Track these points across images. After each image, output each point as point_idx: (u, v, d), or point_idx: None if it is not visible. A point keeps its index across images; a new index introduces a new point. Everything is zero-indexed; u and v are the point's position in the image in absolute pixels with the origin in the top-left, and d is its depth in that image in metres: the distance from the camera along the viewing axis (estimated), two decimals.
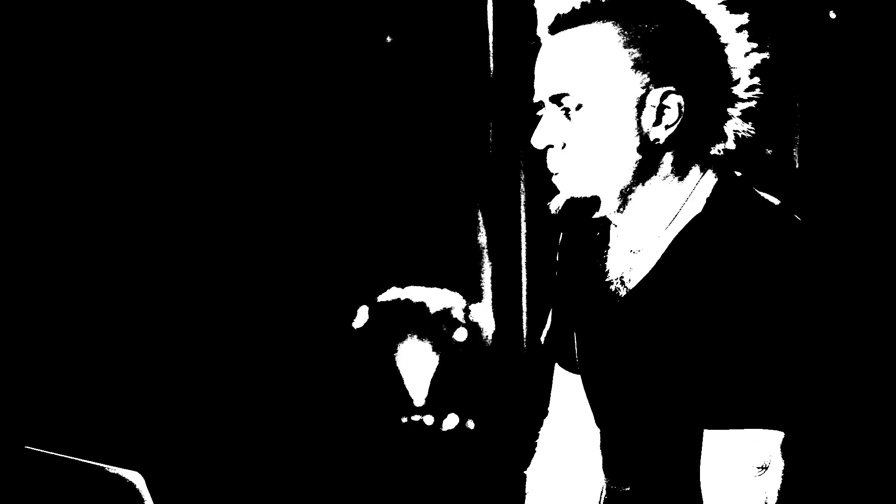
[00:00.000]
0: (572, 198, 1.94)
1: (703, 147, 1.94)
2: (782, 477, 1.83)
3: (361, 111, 4.29)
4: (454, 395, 4.36)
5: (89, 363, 3.99)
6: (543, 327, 2.24)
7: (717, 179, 1.94)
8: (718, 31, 1.92)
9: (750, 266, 1.82)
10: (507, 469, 4.14)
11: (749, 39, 1.94)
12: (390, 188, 4.34)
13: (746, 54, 1.94)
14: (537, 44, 1.96)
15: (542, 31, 1.95)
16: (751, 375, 1.81)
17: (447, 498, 4.31)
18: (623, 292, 1.97)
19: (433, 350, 4.32)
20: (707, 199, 1.92)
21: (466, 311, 4.35)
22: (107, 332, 4.02)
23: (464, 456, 4.34)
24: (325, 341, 4.31)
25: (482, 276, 4.37)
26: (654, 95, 1.89)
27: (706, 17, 1.92)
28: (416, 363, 4.32)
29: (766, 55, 1.95)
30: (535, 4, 1.97)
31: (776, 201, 1.91)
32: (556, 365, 2.22)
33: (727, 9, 1.93)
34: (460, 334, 4.34)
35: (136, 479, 1.95)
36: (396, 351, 4.32)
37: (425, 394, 4.32)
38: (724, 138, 1.95)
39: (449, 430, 4.34)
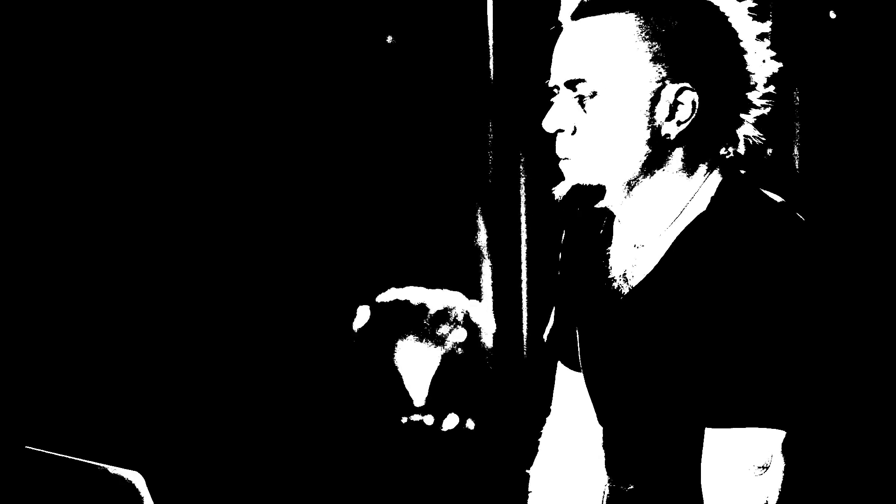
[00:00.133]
0: (577, 185, 1.94)
1: (712, 147, 1.94)
2: (783, 476, 1.83)
3: (361, 111, 4.29)
4: (454, 395, 4.35)
5: (89, 363, 3.99)
6: (544, 327, 2.24)
7: (721, 178, 1.94)
8: (740, 36, 1.93)
9: (753, 265, 1.82)
10: (509, 468, 4.14)
11: (768, 48, 1.94)
12: (390, 188, 4.34)
13: (764, 62, 1.94)
14: (557, 28, 1.96)
15: (563, 16, 1.95)
16: (753, 374, 1.82)
17: (447, 498, 4.31)
18: (626, 289, 1.97)
19: (433, 350, 4.32)
20: (712, 198, 1.92)
21: (466, 311, 4.35)
22: (107, 332, 4.02)
23: (464, 456, 4.34)
24: (324, 342, 4.31)
25: (482, 276, 4.37)
26: (670, 90, 1.90)
27: (730, 20, 1.92)
28: (416, 363, 4.32)
29: (781, 65, 1.96)
30: None
31: (781, 200, 1.91)
32: (559, 363, 2.22)
33: (751, 16, 1.94)
34: (460, 334, 4.34)
35: (136, 479, 1.95)
36: (396, 351, 4.32)
37: (425, 394, 4.32)
38: (736, 142, 1.95)
39: (449, 430, 4.34)
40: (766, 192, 1.93)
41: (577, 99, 1.92)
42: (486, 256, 4.35)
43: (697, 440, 1.88)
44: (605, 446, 2.08)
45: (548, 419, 2.24)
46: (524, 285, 4.28)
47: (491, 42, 4.25)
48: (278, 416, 4.23)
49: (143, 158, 4.06)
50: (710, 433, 1.85)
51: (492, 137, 4.30)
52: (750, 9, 1.94)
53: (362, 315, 4.32)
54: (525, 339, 4.30)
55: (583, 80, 1.91)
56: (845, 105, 3.80)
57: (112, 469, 1.95)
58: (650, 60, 1.89)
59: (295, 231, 4.23)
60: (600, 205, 1.96)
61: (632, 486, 2.02)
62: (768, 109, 1.96)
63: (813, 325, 1.83)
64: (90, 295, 4.01)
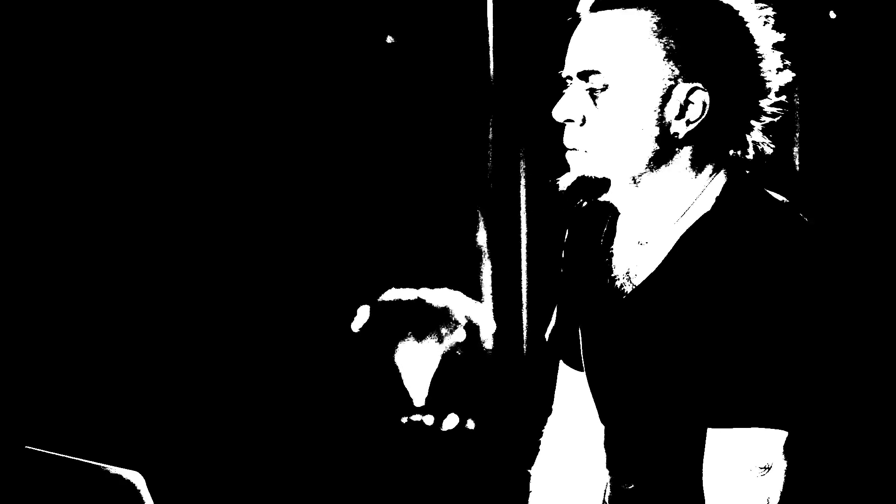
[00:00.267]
0: (582, 176, 1.94)
1: (720, 148, 1.94)
2: (785, 477, 1.83)
3: (361, 111, 4.29)
4: (454, 395, 4.36)
5: (89, 363, 3.99)
6: (544, 327, 2.24)
7: (727, 179, 1.94)
8: (757, 42, 1.93)
9: (758, 266, 1.82)
10: (510, 468, 4.14)
11: (782, 58, 1.95)
12: (390, 188, 4.34)
13: (779, 70, 1.95)
14: (575, 20, 1.96)
15: (582, 7, 1.95)
16: (756, 374, 1.82)
17: (447, 498, 4.31)
18: (629, 288, 1.97)
19: (433, 350, 4.32)
20: (717, 198, 1.93)
21: (466, 310, 4.34)
22: (107, 332, 4.02)
23: (464, 456, 4.34)
24: (325, 342, 4.31)
25: (482, 276, 4.37)
26: (682, 89, 1.90)
27: (748, 25, 1.93)
28: (416, 363, 4.32)
29: (795, 75, 1.96)
30: None
31: (786, 201, 1.91)
32: (561, 362, 2.22)
33: (768, 24, 1.94)
34: (460, 334, 4.34)
35: (136, 479, 1.95)
36: (396, 351, 4.32)
37: (425, 394, 4.32)
38: (745, 147, 1.95)
39: (449, 430, 4.34)
40: (770, 192, 1.93)
41: (589, 91, 1.92)
42: (486, 256, 4.36)
43: (699, 440, 1.88)
44: (606, 446, 2.08)
45: (549, 418, 2.24)
46: (524, 285, 4.28)
47: (491, 42, 4.25)
48: (278, 416, 4.23)
49: (144, 158, 4.06)
50: (712, 433, 1.85)
51: (492, 137, 4.30)
52: (768, 16, 1.94)
53: (362, 315, 4.32)
54: (525, 339, 4.30)
55: (596, 72, 1.91)
56: (845, 105, 3.80)
57: (112, 469, 1.95)
58: (664, 58, 1.90)
59: (295, 231, 4.23)
60: (604, 198, 1.96)
61: (633, 486, 2.02)
62: (778, 118, 1.96)
63: (816, 327, 1.83)
64: (90, 295, 4.01)
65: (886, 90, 3.76)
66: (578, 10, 1.97)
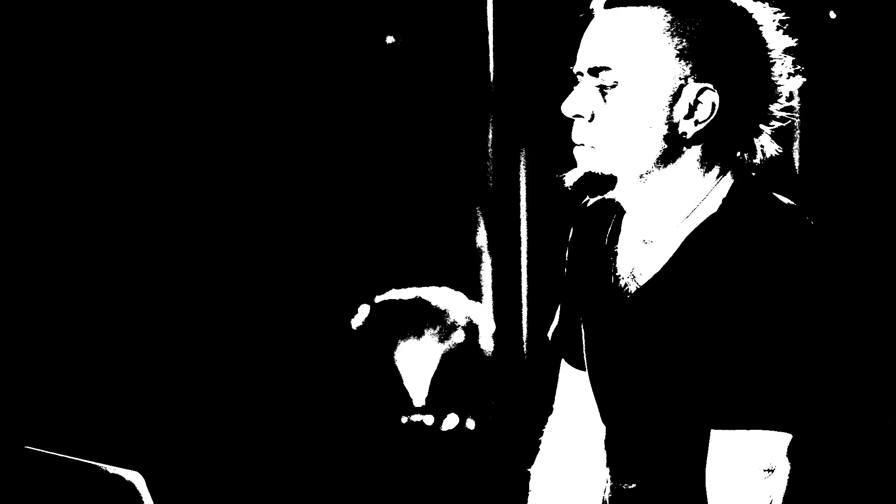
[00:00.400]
0: (589, 173, 1.94)
1: (728, 150, 1.94)
2: (788, 480, 1.83)
3: (361, 111, 4.29)
4: (454, 395, 4.35)
5: (89, 363, 3.99)
6: (544, 327, 2.24)
7: (734, 181, 1.94)
8: (769, 46, 1.93)
9: (764, 268, 1.82)
10: (509, 468, 4.14)
11: (794, 63, 1.95)
12: (390, 188, 4.34)
13: (790, 75, 1.95)
14: (588, 16, 1.96)
15: (596, 3, 1.95)
16: (760, 377, 1.81)
17: (448, 498, 4.31)
18: (633, 287, 1.97)
19: (433, 350, 4.32)
20: (724, 200, 1.92)
21: (466, 311, 4.34)
22: (107, 332, 4.02)
23: (464, 456, 4.34)
24: (324, 341, 4.31)
25: (482, 276, 4.37)
26: (691, 89, 1.90)
27: (761, 29, 1.92)
28: (416, 363, 4.32)
29: (806, 80, 1.96)
30: None
31: (792, 204, 1.91)
32: (563, 361, 2.22)
33: (780, 28, 1.94)
34: (460, 334, 4.34)
35: (136, 479, 1.95)
36: (396, 351, 4.32)
37: (425, 394, 4.32)
38: (752, 150, 1.95)
39: (449, 430, 4.34)
40: (776, 195, 1.93)
41: (599, 87, 1.92)
42: (486, 256, 4.36)
43: (701, 441, 1.88)
44: (607, 445, 2.08)
45: (550, 417, 2.24)
46: (524, 285, 4.28)
47: (491, 42, 4.25)
48: (278, 416, 4.23)
49: (144, 158, 4.06)
50: (716, 434, 1.85)
51: (492, 137, 4.30)
52: (781, 21, 1.94)
53: (362, 314, 4.32)
54: (525, 339, 4.30)
55: (607, 69, 1.91)
56: (845, 105, 3.80)
57: (112, 469, 1.95)
58: (675, 57, 1.90)
59: (295, 231, 4.23)
60: (610, 195, 1.96)
61: (634, 485, 2.01)
62: (787, 123, 1.96)
63: (821, 329, 1.83)
64: (90, 295, 4.01)
65: (886, 90, 3.76)
66: (592, 6, 1.97)
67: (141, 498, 1.93)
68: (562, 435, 2.22)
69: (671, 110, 1.91)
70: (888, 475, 1.95)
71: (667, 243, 1.95)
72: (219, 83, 4.12)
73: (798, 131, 3.80)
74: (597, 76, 1.92)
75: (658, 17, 1.90)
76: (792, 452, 1.83)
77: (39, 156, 3.94)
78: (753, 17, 1.93)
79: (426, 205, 4.36)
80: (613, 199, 2.01)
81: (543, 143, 4.21)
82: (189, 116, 4.10)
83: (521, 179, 4.26)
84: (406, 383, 4.31)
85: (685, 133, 1.92)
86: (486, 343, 4.35)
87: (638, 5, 1.91)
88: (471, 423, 4.35)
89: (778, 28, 1.94)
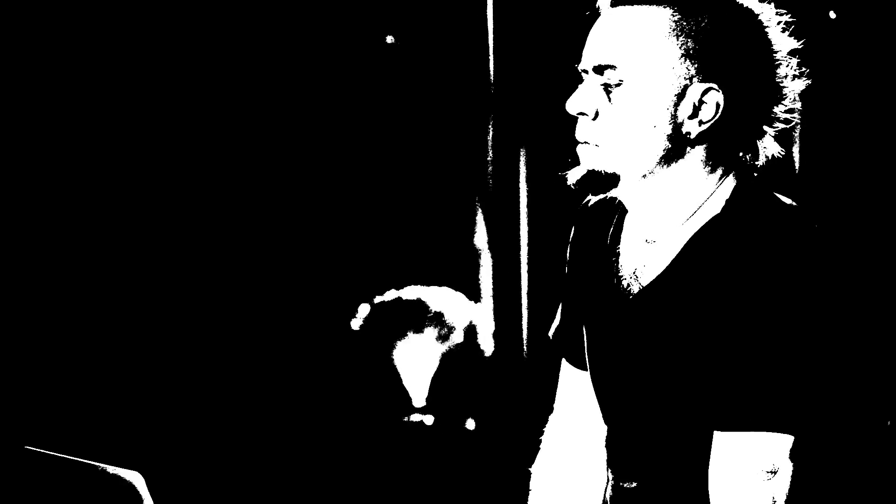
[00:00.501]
0: (592, 171, 1.94)
1: (731, 151, 1.94)
2: (791, 482, 1.83)
3: (362, 111, 4.29)
4: (454, 396, 4.35)
5: (89, 363, 3.99)
6: (544, 326, 2.24)
7: (736, 182, 1.94)
8: (775, 48, 1.93)
9: (767, 270, 1.82)
10: (509, 468, 4.14)
11: (799, 65, 1.95)
12: (390, 188, 4.34)
13: (794, 77, 1.94)
14: (593, 14, 1.96)
15: (602, 1, 1.95)
16: (763, 378, 1.81)
17: (448, 498, 4.31)
18: (636, 288, 1.97)
19: (433, 350, 4.32)
20: (727, 201, 1.92)
21: (466, 311, 4.34)
22: (107, 332, 4.02)
23: (464, 456, 4.34)
24: (324, 341, 4.31)
25: (482, 275, 4.37)
26: (696, 89, 1.90)
27: (767, 30, 1.92)
28: (416, 363, 4.32)
29: (810, 81, 1.96)
30: None
31: (795, 205, 1.91)
32: (564, 360, 2.21)
33: (786, 30, 1.93)
34: (460, 334, 4.34)
35: (136, 479, 1.95)
36: (396, 351, 4.32)
37: (425, 394, 4.32)
38: (755, 152, 1.95)
39: (449, 431, 4.34)
40: (778, 195, 1.93)
41: (604, 85, 1.92)
42: (487, 256, 4.36)
43: (703, 441, 1.88)
44: (608, 444, 2.08)
45: (551, 417, 2.24)
46: (524, 285, 4.28)
47: (491, 42, 4.25)
48: (278, 416, 4.23)
49: (144, 158, 4.06)
50: (719, 436, 1.85)
51: (492, 137, 4.30)
52: (787, 23, 1.94)
53: (362, 314, 4.32)
54: (525, 339, 4.30)
55: (612, 68, 1.91)
56: (845, 105, 3.80)
57: (112, 469, 1.95)
58: (681, 57, 1.89)
59: (295, 231, 4.23)
60: (613, 193, 1.96)
61: (635, 484, 2.01)
62: (790, 125, 1.96)
63: (824, 331, 1.82)
64: (90, 295, 4.01)
65: (886, 90, 3.76)
66: (598, 4, 1.96)
67: (141, 498, 1.93)
68: (562, 434, 2.22)
69: (675, 110, 1.91)
70: (889, 475, 1.95)
71: (670, 244, 1.95)
72: (219, 83, 4.12)
73: (798, 132, 3.80)
74: (602, 74, 1.92)
75: (664, 17, 1.90)
76: (795, 454, 1.83)
77: (39, 156, 3.94)
78: (760, 17, 1.93)
79: (426, 204, 4.36)
80: (615, 199, 2.01)
81: (543, 142, 4.21)
82: (189, 116, 4.10)
83: (521, 179, 4.26)
84: (406, 383, 4.31)
85: (689, 133, 1.91)
86: (486, 343, 4.36)
87: (644, 4, 1.91)
88: (471, 424, 4.35)
89: (784, 30, 1.94)
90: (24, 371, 3.89)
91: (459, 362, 4.35)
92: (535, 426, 2.26)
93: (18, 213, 3.90)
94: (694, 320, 1.89)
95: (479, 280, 4.37)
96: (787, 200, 1.93)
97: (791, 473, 1.83)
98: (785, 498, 1.83)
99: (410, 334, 4.31)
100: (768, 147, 1.96)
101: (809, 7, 3.69)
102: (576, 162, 1.96)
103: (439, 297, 4.33)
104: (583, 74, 1.95)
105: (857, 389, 1.89)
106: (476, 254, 4.37)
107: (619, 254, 2.02)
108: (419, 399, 4.32)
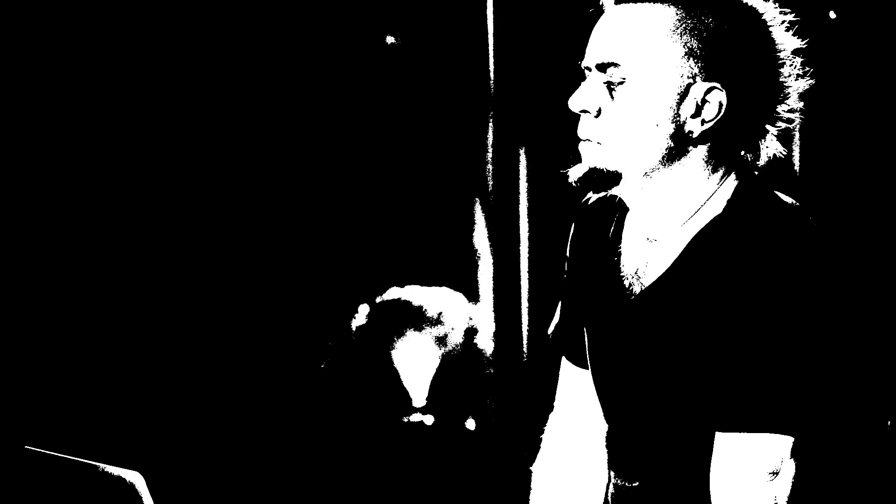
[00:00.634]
0: (594, 168, 1.93)
1: (734, 150, 1.94)
2: (793, 483, 1.83)
3: (362, 111, 4.29)
4: (454, 396, 4.35)
5: (89, 363, 3.99)
6: (544, 326, 2.24)
7: (738, 181, 1.94)
8: (779, 47, 1.92)
9: (768, 270, 1.82)
10: (509, 468, 4.14)
11: (803, 64, 1.94)
12: (390, 188, 4.34)
13: (798, 77, 1.94)
14: (597, 11, 1.95)
15: None
16: (766, 380, 1.81)
17: (448, 498, 4.31)
18: (638, 288, 1.97)
19: (433, 350, 4.32)
20: (728, 201, 1.92)
21: (466, 310, 4.34)
22: (107, 332, 4.02)
23: (464, 456, 4.34)
24: (325, 341, 4.31)
25: (482, 275, 4.37)
26: (699, 88, 1.89)
27: (770, 29, 1.92)
28: (416, 363, 4.32)
29: (814, 81, 1.96)
30: None
31: (796, 204, 1.91)
32: (563, 358, 2.21)
33: (790, 29, 1.93)
34: (460, 334, 4.33)
35: (136, 479, 1.95)
36: (396, 351, 4.32)
37: (425, 394, 4.32)
38: (757, 151, 1.95)
39: (449, 431, 4.33)
40: (780, 194, 1.93)
41: (607, 83, 1.92)
42: (487, 256, 4.35)
43: (705, 442, 1.88)
44: (609, 443, 2.08)
45: (551, 416, 2.24)
46: (524, 285, 4.28)
47: (491, 42, 4.25)
48: (278, 416, 4.23)
49: (144, 158, 4.06)
50: (720, 437, 1.85)
51: (492, 137, 4.30)
52: (791, 22, 1.94)
53: (362, 314, 4.32)
54: (525, 339, 4.30)
55: (615, 65, 1.90)
56: (845, 105, 3.80)
57: (112, 469, 1.95)
58: (684, 56, 1.89)
59: (295, 230, 4.23)
60: (614, 191, 1.95)
61: (636, 483, 2.01)
62: (793, 124, 1.96)
63: (826, 332, 1.82)
64: (90, 295, 4.00)
65: (886, 90, 3.76)
66: (602, 1, 1.96)
67: (141, 498, 1.93)
68: (563, 433, 2.21)
69: (678, 109, 1.90)
70: (889, 475, 1.95)
71: (671, 243, 1.95)
72: (219, 83, 4.12)
73: (798, 131, 3.80)
74: (605, 72, 1.92)
75: (668, 15, 1.90)
76: (796, 454, 1.83)
77: (39, 156, 3.94)
78: (764, 17, 1.92)
79: (426, 204, 4.36)
80: (615, 197, 2.00)
81: (543, 142, 4.21)
82: (189, 116, 4.09)
83: (521, 179, 4.26)
84: (406, 383, 4.31)
85: (692, 132, 1.91)
86: (486, 343, 4.35)
87: (648, 2, 1.91)
88: (471, 424, 4.35)
89: (788, 29, 1.93)
90: (24, 371, 3.89)
91: (459, 362, 4.35)
92: (536, 426, 2.26)
93: (18, 213, 3.90)
94: (697, 320, 1.88)
95: (478, 280, 4.37)
96: (789, 200, 1.92)
97: (793, 474, 1.83)
98: (787, 498, 1.83)
99: (410, 334, 4.31)
100: (770, 146, 1.96)
101: (809, 7, 3.69)
102: (577, 159, 1.96)
103: (439, 298, 4.33)
104: (585, 71, 1.95)
105: (858, 390, 1.89)
106: (476, 254, 4.37)
107: (620, 252, 2.02)
108: (419, 399, 4.32)
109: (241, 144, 4.16)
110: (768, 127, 1.95)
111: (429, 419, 4.31)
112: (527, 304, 4.28)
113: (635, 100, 1.90)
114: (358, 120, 4.28)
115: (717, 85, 1.89)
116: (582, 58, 1.95)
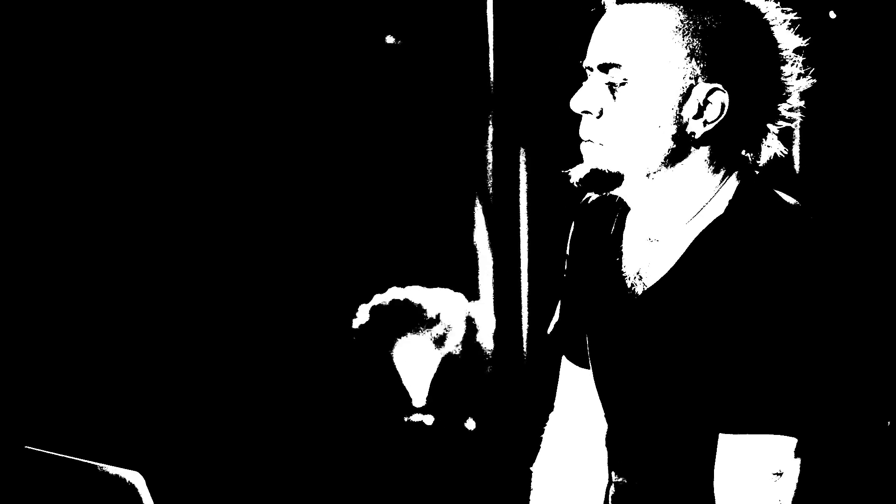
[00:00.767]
0: (595, 169, 1.93)
1: (735, 150, 1.94)
2: (797, 484, 1.82)
3: (362, 111, 4.29)
4: (454, 396, 4.35)
5: (89, 363, 3.99)
6: (544, 326, 2.23)
7: (739, 182, 1.94)
8: (780, 46, 1.92)
9: (771, 271, 1.82)
10: (510, 469, 4.14)
11: (804, 63, 1.94)
12: (390, 188, 4.34)
13: (799, 76, 1.94)
14: (599, 10, 1.95)
15: None
16: (770, 381, 1.81)
17: (448, 498, 4.31)
18: (640, 289, 1.96)
19: (433, 350, 4.32)
20: (730, 201, 1.92)
21: (466, 310, 4.34)
22: (107, 332, 4.02)
23: (464, 456, 4.34)
24: (324, 341, 4.31)
25: (482, 275, 4.37)
26: (702, 89, 1.89)
27: (772, 28, 1.92)
28: (416, 363, 4.32)
29: (815, 81, 1.95)
30: None
31: (797, 204, 1.91)
32: (564, 358, 2.21)
33: (791, 29, 1.93)
34: (460, 334, 4.34)
35: (136, 479, 1.95)
36: (396, 351, 4.32)
37: (425, 394, 4.32)
38: (759, 151, 1.95)
39: (449, 431, 4.34)
40: (781, 194, 1.93)
41: (609, 84, 1.91)
42: (487, 255, 4.35)
43: (707, 442, 1.87)
44: (610, 443, 2.08)
45: (551, 415, 2.23)
46: (524, 284, 4.28)
47: (491, 42, 4.25)
48: (278, 416, 4.23)
49: (144, 158, 4.06)
50: (724, 438, 1.85)
51: (492, 137, 4.30)
52: (793, 21, 1.93)
53: (362, 314, 4.32)
54: (525, 339, 4.30)
55: (617, 66, 1.90)
56: (845, 105, 3.80)
57: (112, 469, 1.94)
58: (686, 56, 1.89)
59: (295, 230, 4.23)
60: (616, 192, 1.95)
61: (637, 483, 2.01)
62: (794, 123, 1.96)
63: (829, 332, 1.82)
64: (90, 295, 4.01)
65: (886, 90, 3.76)
66: (604, 1, 1.95)
67: (141, 498, 1.93)
68: (563, 433, 2.21)
69: (680, 110, 1.90)
70: (890, 475, 1.94)
71: (674, 244, 1.95)
72: (219, 83, 4.12)
73: (798, 131, 3.80)
74: (606, 73, 1.91)
75: (671, 16, 1.89)
76: (800, 457, 1.82)
77: (39, 156, 3.94)
78: (765, 16, 1.92)
79: (426, 204, 4.36)
80: (615, 196, 2.00)
81: (543, 141, 4.21)
82: (189, 116, 4.10)
83: (521, 178, 4.26)
84: (406, 383, 4.31)
85: (694, 133, 1.91)
86: (486, 342, 4.35)
87: (650, 2, 1.90)
88: (471, 423, 4.35)
89: (789, 28, 1.93)
90: (24, 371, 3.89)
91: (459, 362, 4.35)
92: (536, 425, 2.25)
93: (18, 213, 3.90)
94: (700, 321, 1.88)
95: (478, 279, 4.37)
96: (791, 200, 1.92)
97: (797, 475, 1.82)
98: (791, 499, 1.83)
99: (410, 334, 4.31)
100: (772, 145, 1.96)
101: (809, 7, 3.69)
102: (574, 162, 1.96)
103: (439, 297, 4.33)
104: (587, 72, 1.94)
105: (860, 389, 1.88)
106: (475, 253, 4.37)
107: (621, 252, 2.02)
108: (419, 399, 4.32)
109: (242, 144, 4.17)
110: (770, 126, 1.94)
111: (429, 419, 4.31)
112: (527, 304, 4.29)
113: (637, 101, 1.90)
114: (358, 120, 4.28)
115: (720, 86, 1.89)
116: (583, 58, 1.95)
